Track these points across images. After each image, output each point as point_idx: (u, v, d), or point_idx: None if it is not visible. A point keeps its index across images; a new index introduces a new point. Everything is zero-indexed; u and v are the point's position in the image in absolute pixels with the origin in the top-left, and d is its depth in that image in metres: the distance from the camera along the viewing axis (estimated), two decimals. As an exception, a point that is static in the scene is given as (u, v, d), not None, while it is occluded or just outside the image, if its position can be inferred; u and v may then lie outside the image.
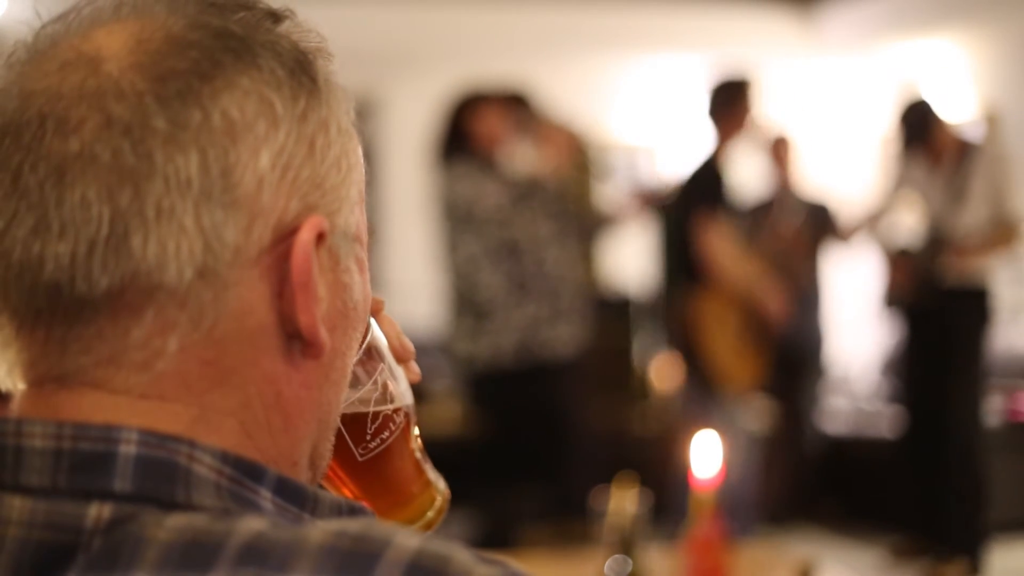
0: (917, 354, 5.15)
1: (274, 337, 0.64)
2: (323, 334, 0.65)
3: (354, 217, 0.69)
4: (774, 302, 4.76)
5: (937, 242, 5.01)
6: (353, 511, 0.66)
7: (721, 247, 4.61)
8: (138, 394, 0.61)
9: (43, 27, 0.67)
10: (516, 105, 4.87)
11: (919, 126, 5.07)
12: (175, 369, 0.62)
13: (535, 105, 4.89)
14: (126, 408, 0.61)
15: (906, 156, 5.17)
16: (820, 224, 5.93)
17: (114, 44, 0.63)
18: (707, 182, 4.72)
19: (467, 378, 4.48)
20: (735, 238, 4.72)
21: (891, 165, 5.33)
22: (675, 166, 7.90)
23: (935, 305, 4.98)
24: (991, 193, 4.93)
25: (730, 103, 4.81)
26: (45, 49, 0.65)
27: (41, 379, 0.63)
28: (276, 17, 0.68)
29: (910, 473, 5.20)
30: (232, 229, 0.62)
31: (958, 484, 4.98)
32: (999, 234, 4.94)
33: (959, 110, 6.71)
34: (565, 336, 4.41)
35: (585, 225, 4.80)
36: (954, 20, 6.94)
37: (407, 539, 0.58)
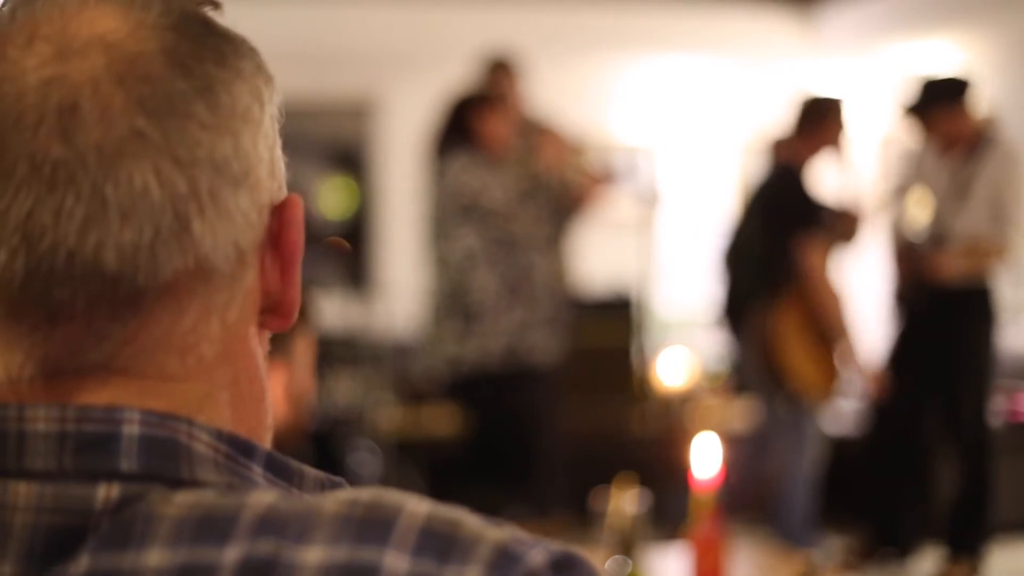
0: (914, 354, 5.11)
1: (257, 311, 0.67)
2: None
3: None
4: (854, 358, 4.89)
5: (937, 238, 4.96)
6: (334, 485, 0.67)
7: (822, 266, 4.73)
8: (165, 377, 0.62)
9: (19, 9, 0.64)
10: (499, 70, 5.01)
11: (923, 102, 4.92)
12: (208, 350, 0.64)
13: (517, 69, 5.04)
14: (138, 390, 0.62)
15: (916, 141, 5.08)
16: (828, 223, 5.90)
17: (119, 26, 0.63)
18: (803, 198, 4.83)
19: (452, 379, 4.49)
20: (829, 257, 4.84)
21: (902, 153, 5.25)
22: (669, 167, 7.90)
23: (934, 304, 4.95)
24: (993, 197, 4.83)
25: (821, 119, 4.88)
26: (46, 35, 0.63)
27: (57, 370, 0.62)
28: (214, 4, 0.68)
29: (883, 473, 5.17)
30: (254, 211, 0.64)
31: (965, 486, 4.96)
32: (991, 243, 4.84)
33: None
34: (550, 343, 4.46)
35: (559, 207, 4.76)
36: (953, 21, 6.94)
37: (418, 506, 0.59)
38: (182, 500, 0.58)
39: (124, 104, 0.61)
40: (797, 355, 4.80)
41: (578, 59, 5.60)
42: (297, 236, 0.67)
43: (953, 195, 4.90)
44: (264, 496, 0.59)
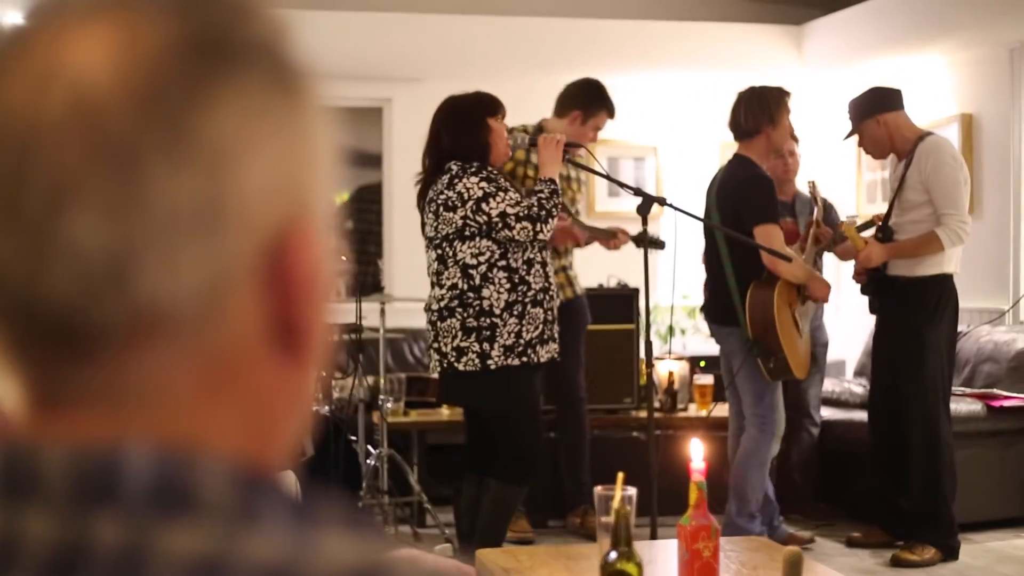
0: (874, 346, 5.32)
1: (268, 342, 0.63)
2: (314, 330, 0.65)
3: (324, 203, 0.67)
4: (821, 286, 5.15)
5: (885, 236, 5.15)
6: (349, 523, 0.63)
7: (779, 254, 4.90)
8: (148, 414, 0.61)
9: (8, 27, 0.62)
10: (602, 95, 5.35)
11: (851, 122, 5.16)
12: (182, 390, 0.61)
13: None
14: (135, 426, 0.60)
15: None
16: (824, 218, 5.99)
17: (95, 56, 0.59)
18: (761, 193, 5.01)
19: (453, 374, 4.55)
20: (784, 240, 5.04)
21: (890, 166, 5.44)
22: (670, 168, 8.03)
23: (879, 296, 5.15)
24: (923, 190, 5.01)
25: (770, 115, 5.05)
26: (17, 56, 0.60)
27: (49, 401, 0.61)
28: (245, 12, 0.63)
29: (875, 463, 5.29)
30: (229, 249, 0.60)
31: (917, 474, 5.06)
32: (921, 239, 5.02)
33: (936, 117, 6.85)
34: (552, 341, 4.58)
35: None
36: (937, 36, 7.03)
37: (411, 567, 0.60)
38: (183, 540, 0.57)
39: (77, 143, 0.58)
40: (785, 326, 4.96)
41: (581, 73, 5.69)
42: (302, 270, 0.62)
43: (895, 197, 5.14)
44: (266, 545, 0.58)
